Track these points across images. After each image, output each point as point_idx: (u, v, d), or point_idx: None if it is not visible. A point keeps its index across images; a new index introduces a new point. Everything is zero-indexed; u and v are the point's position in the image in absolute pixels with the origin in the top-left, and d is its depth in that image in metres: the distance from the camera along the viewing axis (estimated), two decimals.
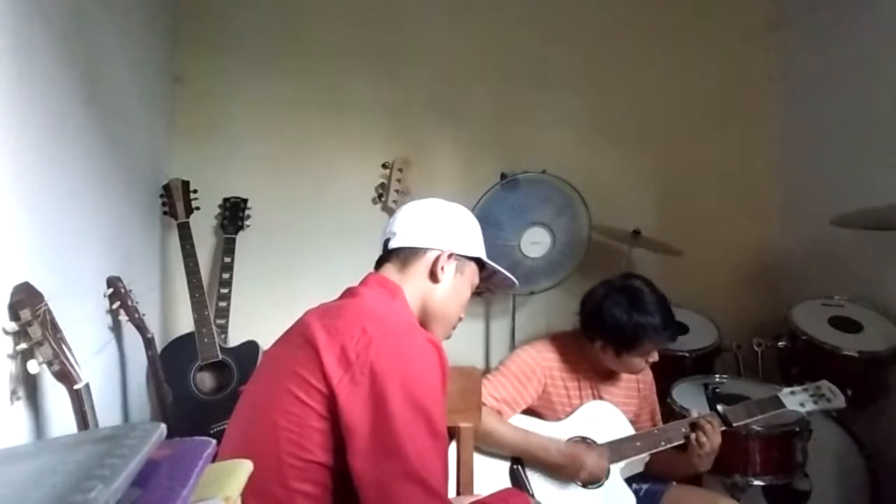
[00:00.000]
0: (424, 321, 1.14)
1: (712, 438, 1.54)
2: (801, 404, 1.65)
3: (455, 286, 1.16)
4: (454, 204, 1.23)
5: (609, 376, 1.74)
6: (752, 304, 2.68)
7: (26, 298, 1.09)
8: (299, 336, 1.00)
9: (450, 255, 1.14)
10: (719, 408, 1.62)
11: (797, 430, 1.76)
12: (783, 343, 2.17)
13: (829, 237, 2.25)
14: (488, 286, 1.32)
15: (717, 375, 2.06)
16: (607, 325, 1.61)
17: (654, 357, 1.65)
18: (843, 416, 2.06)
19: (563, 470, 1.53)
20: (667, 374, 2.05)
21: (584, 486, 1.56)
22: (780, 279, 2.71)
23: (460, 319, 1.21)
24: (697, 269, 2.64)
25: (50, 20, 1.33)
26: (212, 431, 1.96)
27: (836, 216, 1.96)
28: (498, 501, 1.06)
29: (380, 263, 1.17)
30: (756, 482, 1.77)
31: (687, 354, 2.22)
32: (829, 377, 1.71)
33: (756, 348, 2.24)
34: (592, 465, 1.52)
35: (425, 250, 1.14)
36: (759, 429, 1.74)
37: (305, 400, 0.93)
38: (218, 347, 2.10)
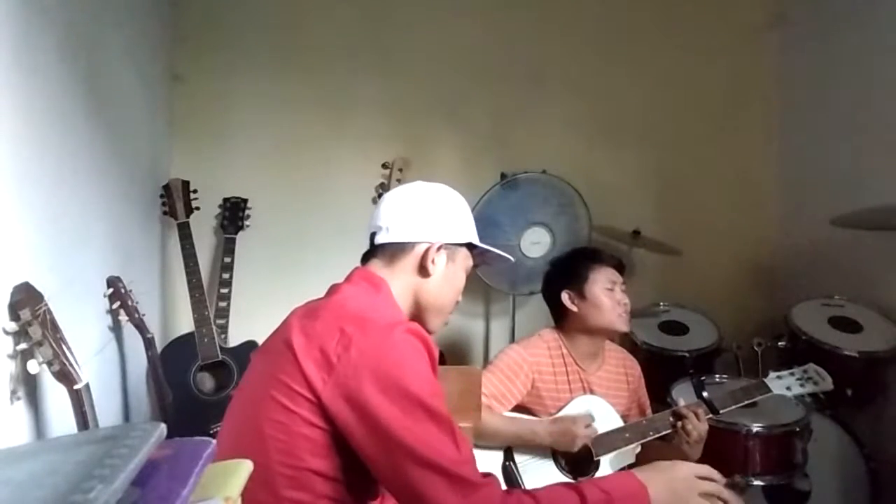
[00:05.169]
0: (418, 313, 1.12)
1: (698, 426, 1.55)
2: (788, 388, 1.64)
3: (447, 276, 1.12)
4: (439, 187, 1.18)
5: (598, 370, 1.76)
6: (752, 304, 2.68)
7: (26, 298, 1.09)
8: (281, 340, 0.98)
9: (439, 248, 1.10)
10: (705, 395, 1.62)
11: (797, 430, 1.76)
12: (783, 343, 2.16)
13: (829, 237, 2.25)
14: (484, 260, 1.28)
15: (717, 375, 2.06)
16: (559, 272, 1.79)
17: (623, 297, 1.70)
18: (843, 416, 2.06)
19: (558, 446, 1.56)
20: (666, 374, 2.05)
21: (574, 479, 1.57)
22: (780, 279, 2.71)
23: (457, 303, 1.18)
24: (697, 269, 2.64)
25: (50, 20, 1.33)
26: (212, 431, 1.96)
27: (836, 216, 1.96)
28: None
29: (367, 257, 1.14)
30: (756, 482, 1.77)
31: (687, 354, 2.22)
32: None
33: (756, 348, 2.23)
34: (583, 432, 1.53)
35: (413, 244, 1.10)
36: (759, 429, 1.74)
37: (291, 407, 0.91)
38: (218, 347, 2.10)
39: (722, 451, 1.59)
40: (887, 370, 2.03)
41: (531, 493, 0.96)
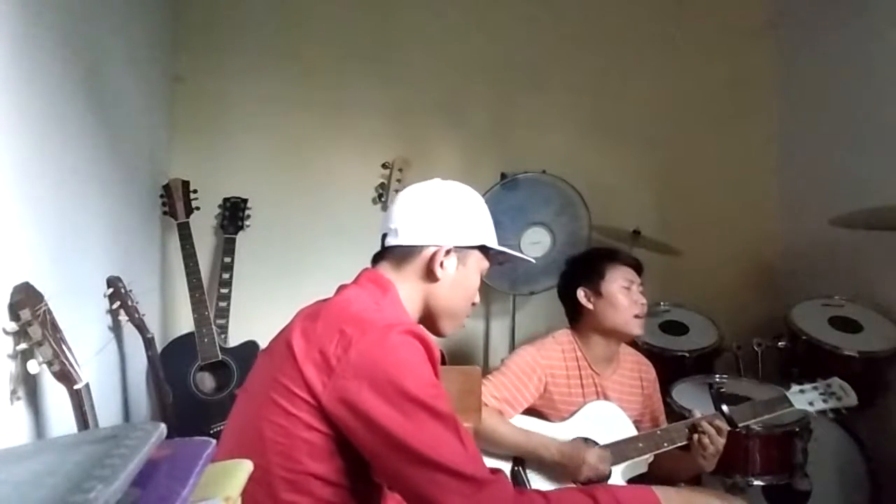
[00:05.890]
0: (428, 318, 1.11)
1: (716, 440, 1.50)
2: (811, 403, 1.60)
3: (458, 279, 1.10)
4: (454, 187, 1.15)
5: (613, 374, 1.74)
6: (752, 304, 2.68)
7: (26, 298, 1.08)
8: (283, 341, 0.97)
9: (448, 251, 1.08)
10: (724, 408, 1.56)
11: (797, 430, 1.76)
12: (783, 343, 2.16)
13: (829, 237, 2.24)
14: (507, 258, 1.24)
15: (718, 375, 2.06)
16: (576, 269, 1.78)
17: (640, 297, 1.69)
18: (843, 416, 2.05)
19: (565, 469, 1.52)
20: (667, 374, 2.05)
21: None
22: (780, 279, 2.71)
23: (474, 305, 1.17)
24: (697, 269, 2.64)
25: (50, 21, 1.33)
26: (212, 431, 1.96)
27: (836, 216, 1.95)
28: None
29: (377, 259, 1.13)
30: (756, 482, 1.77)
31: (687, 354, 2.22)
32: (829, 377, 1.70)
33: (756, 348, 2.23)
34: (592, 462, 1.49)
35: (421, 248, 1.08)
36: (759, 429, 1.73)
37: (291, 410, 0.91)
38: (218, 347, 2.10)
39: (722, 450, 1.57)
40: (887, 370, 2.03)
41: (543, 493, 0.96)
